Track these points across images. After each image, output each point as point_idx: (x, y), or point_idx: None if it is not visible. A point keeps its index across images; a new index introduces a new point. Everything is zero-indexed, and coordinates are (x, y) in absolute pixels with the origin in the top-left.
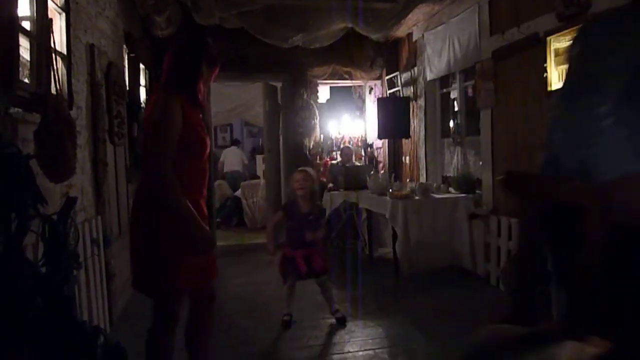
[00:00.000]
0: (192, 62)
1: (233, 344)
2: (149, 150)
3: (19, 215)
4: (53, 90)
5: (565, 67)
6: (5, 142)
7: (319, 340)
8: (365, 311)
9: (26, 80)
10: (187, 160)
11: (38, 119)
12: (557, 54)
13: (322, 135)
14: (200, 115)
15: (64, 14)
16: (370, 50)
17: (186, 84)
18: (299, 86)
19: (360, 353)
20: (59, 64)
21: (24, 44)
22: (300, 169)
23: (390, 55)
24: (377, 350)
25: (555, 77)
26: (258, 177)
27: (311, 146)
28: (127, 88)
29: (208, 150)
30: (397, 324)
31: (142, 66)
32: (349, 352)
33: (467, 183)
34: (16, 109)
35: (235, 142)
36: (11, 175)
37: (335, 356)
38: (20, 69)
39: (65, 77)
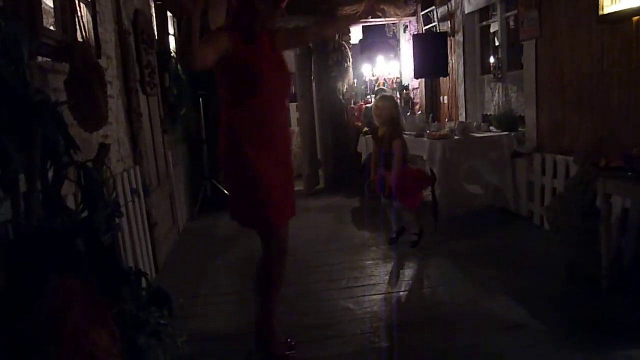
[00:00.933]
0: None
1: None
2: None
3: (55, 163)
4: (80, 39)
5: None
6: (33, 89)
7: (359, 282)
8: (404, 253)
9: (52, 28)
10: (239, 99)
11: (67, 68)
12: None
13: (355, 79)
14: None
15: None
16: None
17: (240, 22)
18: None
19: (401, 294)
20: (84, 12)
21: None
22: (381, 95)
23: None
24: (417, 289)
25: None
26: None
27: (345, 90)
28: (156, 37)
29: (266, 88)
30: (437, 265)
31: (169, 15)
32: (390, 292)
33: (509, 121)
34: (45, 59)
35: None
36: (42, 123)
37: (375, 297)
38: (44, 16)
39: (91, 25)
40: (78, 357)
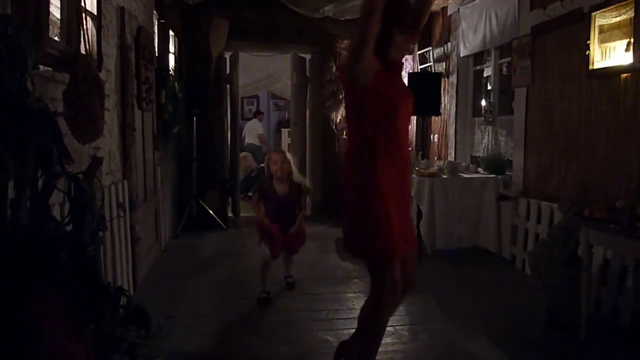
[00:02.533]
0: (383, 26)
1: (254, 311)
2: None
3: (46, 172)
4: (83, 51)
5: (610, 44)
6: (33, 98)
7: (339, 314)
8: None
9: (56, 39)
10: (376, 128)
11: (67, 79)
12: (601, 31)
13: None
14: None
15: None
16: None
17: (378, 51)
18: (328, 58)
19: None
20: (89, 24)
21: (54, 1)
22: (276, 149)
23: (423, 30)
24: (397, 327)
25: (599, 55)
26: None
27: (337, 120)
28: (157, 54)
29: (401, 116)
30: (418, 302)
31: (171, 33)
32: None
33: (497, 164)
34: (46, 68)
35: (255, 114)
36: (39, 132)
37: (354, 331)
38: (50, 27)
39: (95, 38)
40: None
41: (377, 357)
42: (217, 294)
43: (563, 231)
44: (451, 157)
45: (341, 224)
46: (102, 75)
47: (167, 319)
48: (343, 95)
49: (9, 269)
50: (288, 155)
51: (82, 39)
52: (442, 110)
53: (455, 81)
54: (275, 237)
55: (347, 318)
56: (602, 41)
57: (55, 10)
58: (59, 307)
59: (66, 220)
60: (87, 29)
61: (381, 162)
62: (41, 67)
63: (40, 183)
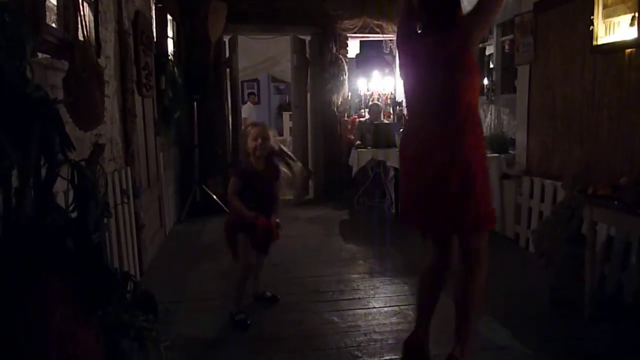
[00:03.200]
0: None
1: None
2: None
3: (49, 160)
4: (80, 37)
5: (614, 19)
6: (32, 86)
7: (344, 295)
8: (390, 268)
9: (53, 25)
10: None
11: (66, 65)
12: (605, 6)
13: (350, 92)
14: None
15: None
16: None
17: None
18: (328, 40)
19: (385, 309)
20: (86, 10)
21: None
22: (254, 122)
23: None
24: (402, 307)
25: (602, 30)
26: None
27: (339, 103)
28: (155, 39)
29: None
30: None
31: (169, 17)
32: (374, 307)
33: (500, 142)
34: (45, 55)
35: (247, 96)
36: (39, 120)
37: (359, 311)
38: (47, 13)
39: (92, 24)
40: (62, 359)
41: (381, 338)
42: (222, 277)
43: (567, 209)
44: None
45: (443, 198)
46: (101, 61)
47: (174, 303)
48: (456, 60)
49: (17, 257)
50: (269, 130)
51: (79, 25)
52: None
53: None
54: (263, 225)
55: (352, 299)
56: (606, 16)
57: None
58: (67, 295)
59: (70, 207)
60: (84, 14)
61: (480, 130)
62: (39, 54)
63: (43, 171)
